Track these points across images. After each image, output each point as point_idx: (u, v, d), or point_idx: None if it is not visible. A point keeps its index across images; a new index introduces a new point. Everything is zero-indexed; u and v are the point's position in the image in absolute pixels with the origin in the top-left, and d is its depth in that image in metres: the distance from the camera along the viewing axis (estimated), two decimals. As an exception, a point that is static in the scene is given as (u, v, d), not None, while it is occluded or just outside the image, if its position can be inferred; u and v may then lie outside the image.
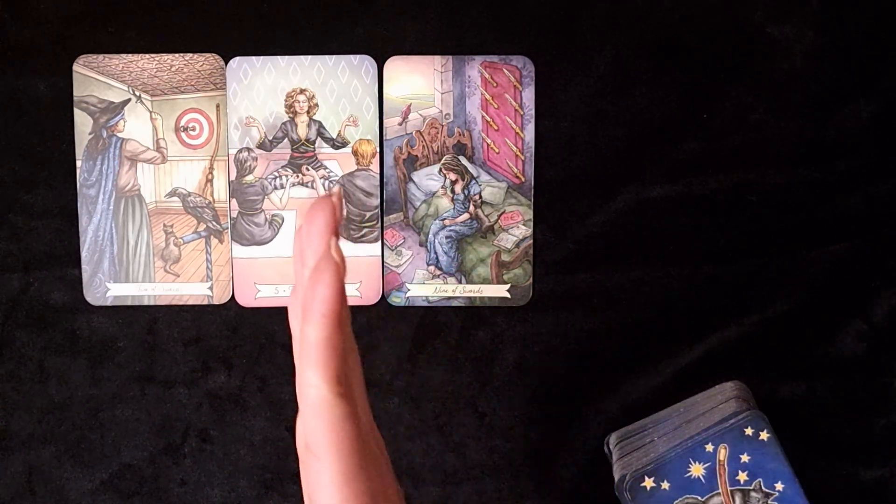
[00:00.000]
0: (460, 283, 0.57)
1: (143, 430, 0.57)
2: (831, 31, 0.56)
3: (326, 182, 0.57)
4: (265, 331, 0.57)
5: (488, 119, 0.57)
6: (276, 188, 0.57)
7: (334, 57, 0.56)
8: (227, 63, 0.56)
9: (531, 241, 0.57)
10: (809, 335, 0.57)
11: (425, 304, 0.57)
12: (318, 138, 0.57)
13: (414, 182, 0.57)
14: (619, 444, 0.55)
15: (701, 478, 0.52)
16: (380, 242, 0.57)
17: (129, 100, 0.57)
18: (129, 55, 0.56)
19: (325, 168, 0.57)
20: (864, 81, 0.57)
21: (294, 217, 0.57)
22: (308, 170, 0.57)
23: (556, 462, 0.57)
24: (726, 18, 0.56)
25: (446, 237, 0.57)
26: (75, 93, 0.56)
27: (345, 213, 0.57)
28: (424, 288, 0.57)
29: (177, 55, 0.56)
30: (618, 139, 0.57)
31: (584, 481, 0.57)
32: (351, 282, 0.57)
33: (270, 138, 0.57)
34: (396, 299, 0.57)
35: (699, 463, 0.52)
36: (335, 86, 0.57)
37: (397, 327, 0.57)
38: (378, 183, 0.57)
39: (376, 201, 0.57)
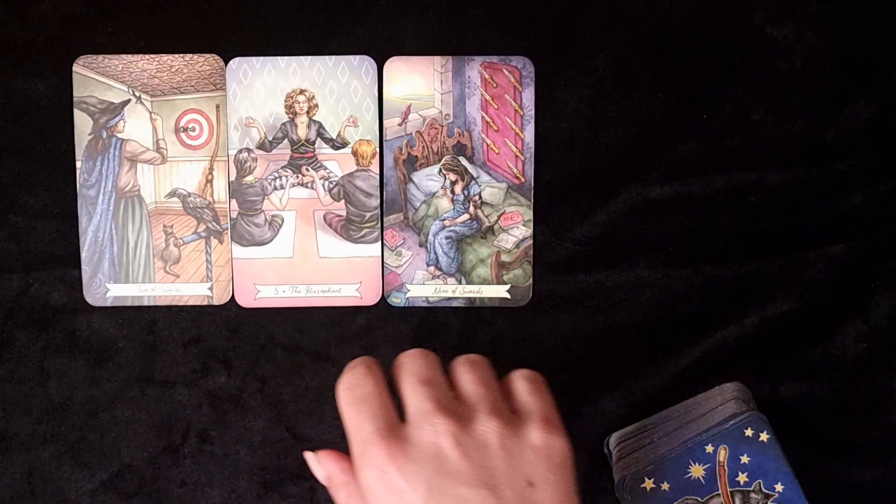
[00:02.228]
0: (460, 283, 0.57)
1: (143, 431, 0.57)
2: (831, 32, 0.56)
3: (326, 182, 0.57)
4: (265, 331, 0.57)
5: (488, 119, 0.57)
6: (275, 189, 0.57)
7: (334, 57, 0.56)
8: (226, 64, 0.56)
9: (531, 242, 0.57)
10: (809, 335, 0.57)
11: (425, 304, 0.57)
12: (318, 139, 0.57)
13: (414, 183, 0.57)
14: (619, 444, 0.55)
15: (701, 479, 0.52)
16: (380, 243, 0.57)
17: (128, 100, 0.57)
18: (129, 56, 0.56)
19: (325, 169, 0.57)
20: (864, 81, 0.57)
21: (294, 217, 0.57)
22: (308, 170, 0.57)
23: (556, 462, 0.57)
24: (726, 18, 0.56)
25: (446, 238, 0.57)
26: (75, 93, 0.56)
27: (344, 213, 0.57)
28: (424, 288, 0.57)
29: (177, 56, 0.56)
30: (618, 139, 0.57)
31: (584, 481, 0.57)
32: (350, 282, 0.57)
33: (270, 139, 0.57)
34: (396, 300, 0.57)
35: (699, 464, 0.52)
36: (335, 86, 0.56)
37: (397, 328, 0.57)
38: (378, 183, 0.57)
39: (376, 202, 0.57)
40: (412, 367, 0.43)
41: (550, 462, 0.41)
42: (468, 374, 0.43)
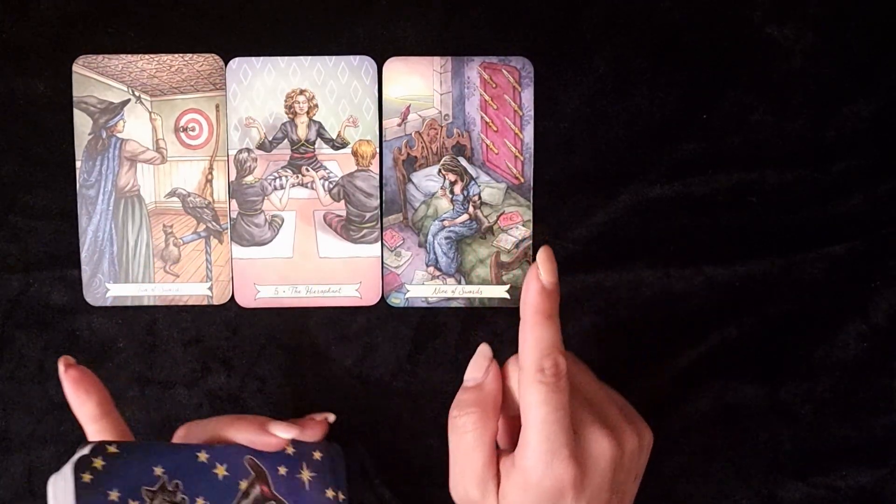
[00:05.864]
0: (460, 283, 0.57)
1: (143, 431, 0.57)
2: (831, 32, 0.56)
3: (326, 182, 0.57)
4: (265, 331, 0.57)
5: (487, 120, 0.57)
6: (275, 189, 0.57)
7: (334, 58, 0.56)
8: (226, 64, 0.56)
9: (531, 242, 0.57)
10: (809, 335, 0.57)
11: (425, 304, 0.57)
12: (318, 139, 0.57)
13: (413, 183, 0.57)
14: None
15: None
16: (379, 243, 0.57)
17: (128, 100, 0.57)
18: (129, 56, 0.56)
19: (325, 169, 0.57)
20: (864, 81, 0.57)
21: (294, 218, 0.57)
22: (308, 170, 0.57)
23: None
24: (726, 18, 0.56)
25: (446, 238, 0.57)
26: (75, 93, 0.56)
27: (344, 214, 0.57)
28: (424, 289, 0.57)
29: (176, 55, 0.56)
30: (618, 139, 0.57)
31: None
32: (350, 282, 0.57)
33: (270, 139, 0.57)
34: (396, 300, 0.57)
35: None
36: (335, 86, 0.57)
37: (397, 328, 0.57)
38: (377, 184, 0.57)
39: (376, 202, 0.57)
40: None
41: None
42: None
